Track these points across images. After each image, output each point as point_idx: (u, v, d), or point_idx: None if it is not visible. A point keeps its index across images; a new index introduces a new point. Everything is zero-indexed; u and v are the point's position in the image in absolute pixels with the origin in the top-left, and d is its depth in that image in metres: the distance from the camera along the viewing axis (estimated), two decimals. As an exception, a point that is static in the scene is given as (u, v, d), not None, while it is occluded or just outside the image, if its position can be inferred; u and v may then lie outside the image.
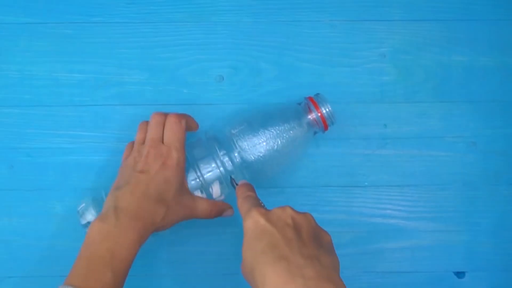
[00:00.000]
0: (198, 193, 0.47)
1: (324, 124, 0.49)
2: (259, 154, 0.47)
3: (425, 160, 0.54)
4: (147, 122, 0.49)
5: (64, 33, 0.54)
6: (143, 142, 0.47)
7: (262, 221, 0.38)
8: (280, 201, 0.53)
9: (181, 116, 0.48)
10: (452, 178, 0.54)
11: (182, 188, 0.46)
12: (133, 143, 0.49)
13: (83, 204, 0.47)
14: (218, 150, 0.47)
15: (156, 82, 0.54)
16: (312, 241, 0.37)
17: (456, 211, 0.53)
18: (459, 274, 0.53)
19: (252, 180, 0.47)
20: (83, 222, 0.46)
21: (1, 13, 0.54)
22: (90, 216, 0.46)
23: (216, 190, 0.48)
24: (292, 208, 0.39)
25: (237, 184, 0.45)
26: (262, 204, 0.43)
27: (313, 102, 0.49)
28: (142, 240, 0.43)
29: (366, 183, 0.53)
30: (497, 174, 0.54)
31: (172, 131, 0.46)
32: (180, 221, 0.46)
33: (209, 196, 0.48)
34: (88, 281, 0.39)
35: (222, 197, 0.48)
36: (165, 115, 0.48)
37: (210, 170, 0.47)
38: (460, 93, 0.54)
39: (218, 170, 0.47)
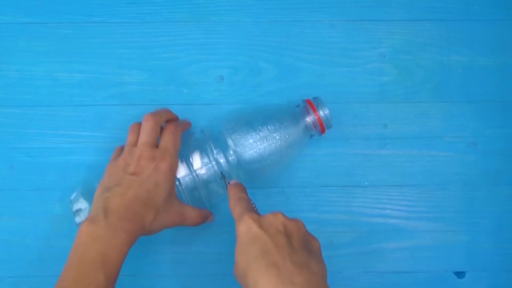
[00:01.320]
0: (181, 167, 0.47)
1: (321, 127, 0.49)
2: (254, 154, 0.47)
3: (425, 160, 0.54)
4: (139, 124, 0.48)
5: (64, 33, 0.54)
6: (135, 145, 0.47)
7: (254, 227, 0.39)
8: (280, 201, 0.53)
9: (180, 126, 0.48)
10: (452, 178, 0.54)
11: (172, 194, 0.46)
12: (122, 147, 0.49)
13: (75, 193, 0.47)
14: (213, 148, 0.47)
15: (156, 82, 0.54)
16: (302, 248, 0.38)
17: (456, 211, 0.53)
18: (459, 274, 0.53)
19: (246, 180, 0.47)
20: (76, 213, 0.46)
21: (1, 13, 0.54)
22: (80, 205, 0.46)
23: (196, 160, 0.47)
24: (283, 215, 0.40)
25: (228, 183, 0.45)
26: (254, 206, 0.43)
27: (311, 104, 0.49)
28: (132, 243, 0.43)
29: (366, 183, 0.53)
30: (497, 174, 0.54)
31: (169, 137, 0.46)
32: (168, 227, 0.46)
33: (190, 168, 0.47)
34: (80, 284, 0.39)
35: (204, 170, 0.47)
36: (159, 118, 0.47)
37: (203, 166, 0.47)
38: (460, 93, 0.55)
39: (211, 165, 0.47)
